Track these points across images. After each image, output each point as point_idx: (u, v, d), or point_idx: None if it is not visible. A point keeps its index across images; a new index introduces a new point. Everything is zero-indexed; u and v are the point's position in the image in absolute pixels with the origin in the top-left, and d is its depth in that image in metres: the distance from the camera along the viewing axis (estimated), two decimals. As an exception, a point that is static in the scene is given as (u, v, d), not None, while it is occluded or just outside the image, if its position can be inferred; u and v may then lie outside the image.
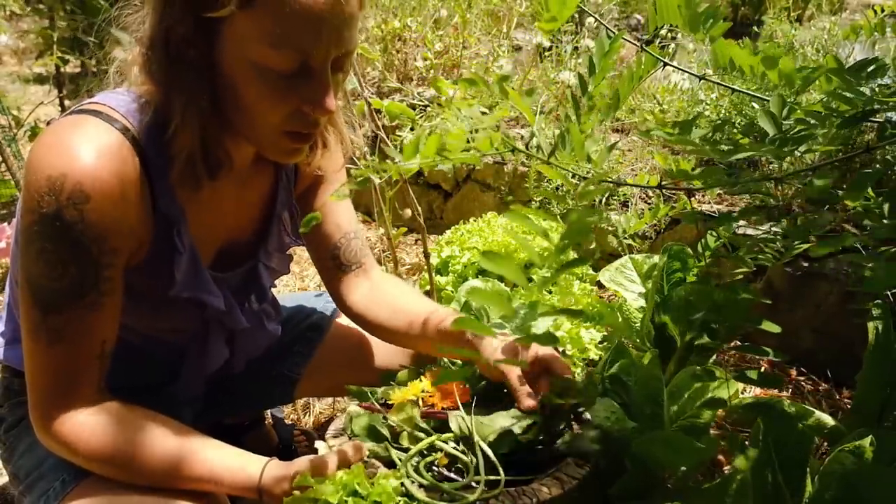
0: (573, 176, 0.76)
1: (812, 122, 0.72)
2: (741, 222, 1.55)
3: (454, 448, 0.83)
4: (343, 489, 0.73)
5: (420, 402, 0.90)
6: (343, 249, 1.08)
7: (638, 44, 0.87)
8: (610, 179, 0.68)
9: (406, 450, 0.84)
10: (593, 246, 2.06)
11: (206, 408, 1.12)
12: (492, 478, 0.80)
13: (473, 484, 0.79)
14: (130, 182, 0.78)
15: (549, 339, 0.45)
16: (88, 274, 0.77)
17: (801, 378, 1.61)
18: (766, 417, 0.81)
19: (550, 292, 1.52)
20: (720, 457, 1.32)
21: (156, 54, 0.76)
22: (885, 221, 0.65)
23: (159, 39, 0.75)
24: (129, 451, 0.79)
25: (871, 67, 0.74)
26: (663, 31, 2.87)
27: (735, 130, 1.80)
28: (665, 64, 0.84)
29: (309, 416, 1.56)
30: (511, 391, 0.88)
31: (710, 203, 1.96)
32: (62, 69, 3.43)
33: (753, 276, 1.65)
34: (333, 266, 1.09)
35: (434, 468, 0.83)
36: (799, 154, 0.69)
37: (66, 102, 3.58)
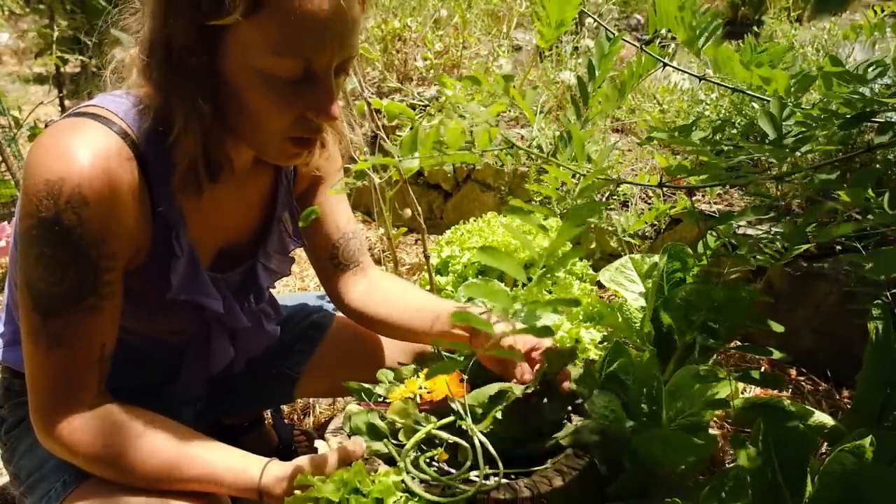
0: (573, 176, 0.76)
1: (812, 124, 0.72)
2: (741, 222, 1.55)
3: (452, 437, 0.83)
4: (344, 487, 0.74)
5: (418, 399, 0.90)
6: (342, 249, 1.09)
7: (638, 44, 0.87)
8: (610, 177, 0.68)
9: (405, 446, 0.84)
10: (593, 246, 2.06)
11: (207, 408, 1.12)
12: (491, 471, 0.80)
13: (474, 477, 0.79)
14: (129, 186, 0.78)
15: (544, 331, 0.45)
16: (87, 278, 0.77)
17: (801, 378, 1.61)
18: (767, 417, 0.81)
19: (550, 292, 1.52)
20: (720, 455, 1.32)
21: (156, 60, 0.76)
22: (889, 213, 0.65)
23: (160, 45, 0.75)
24: (129, 453, 0.79)
25: (872, 69, 0.74)
26: (664, 31, 2.88)
27: (735, 131, 1.80)
28: (665, 65, 0.84)
29: (309, 416, 1.56)
30: (509, 376, 0.90)
31: (709, 203, 1.96)
32: (62, 69, 3.44)
33: (753, 276, 1.65)
34: (331, 266, 1.10)
35: (434, 463, 0.83)
36: (799, 154, 0.70)
37: (66, 102, 3.58)
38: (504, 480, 0.79)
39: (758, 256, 0.88)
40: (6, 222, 2.20)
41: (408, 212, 1.59)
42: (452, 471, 0.82)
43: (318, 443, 0.88)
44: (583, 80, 0.88)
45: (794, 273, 1.63)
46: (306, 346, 1.20)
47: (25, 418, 0.90)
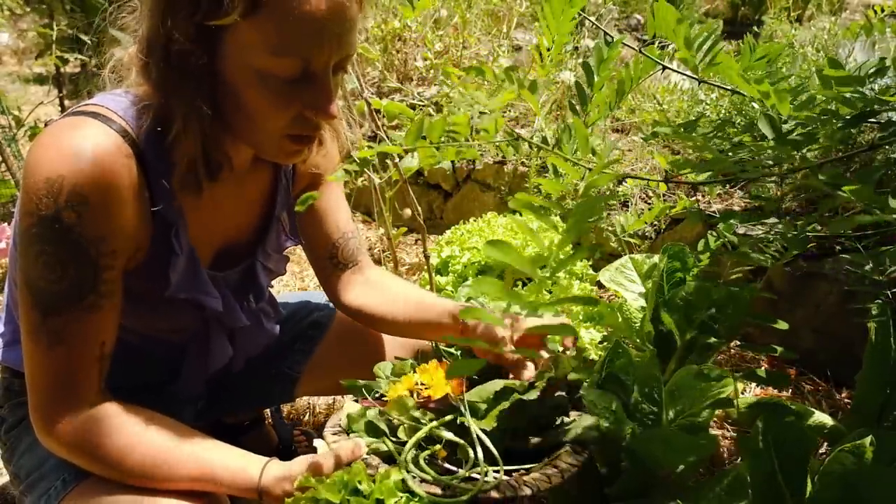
0: (575, 165, 0.76)
1: (812, 125, 0.72)
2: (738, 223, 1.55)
3: (453, 436, 0.83)
4: (344, 488, 0.74)
5: (416, 395, 0.90)
6: (341, 249, 1.09)
7: (638, 45, 0.87)
8: (616, 172, 0.68)
9: (404, 444, 0.84)
10: (593, 243, 2.06)
11: (207, 406, 1.12)
12: (491, 469, 0.80)
13: (474, 475, 0.79)
14: (129, 184, 0.78)
15: (567, 330, 0.45)
16: (87, 276, 0.77)
17: (801, 378, 1.61)
18: (767, 417, 0.81)
19: (550, 292, 1.52)
20: (720, 455, 1.32)
21: (155, 60, 0.76)
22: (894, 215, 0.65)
23: (159, 45, 0.75)
24: (127, 451, 0.79)
25: (872, 70, 0.74)
26: (663, 31, 2.87)
27: (735, 129, 1.80)
28: (664, 68, 0.84)
29: (309, 415, 1.56)
30: (507, 367, 0.91)
31: (709, 203, 1.96)
32: (62, 69, 3.43)
33: (753, 276, 1.65)
34: (331, 265, 1.10)
35: (433, 460, 0.83)
36: (799, 154, 0.70)
37: (66, 102, 3.58)
38: (504, 478, 0.79)
39: (758, 256, 0.88)
40: (6, 224, 2.20)
41: (408, 212, 1.59)
42: (452, 468, 0.82)
43: (316, 442, 0.87)
44: (581, 85, 0.88)
45: (794, 273, 1.63)
46: (306, 345, 1.20)
47: (25, 418, 0.90)
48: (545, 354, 0.93)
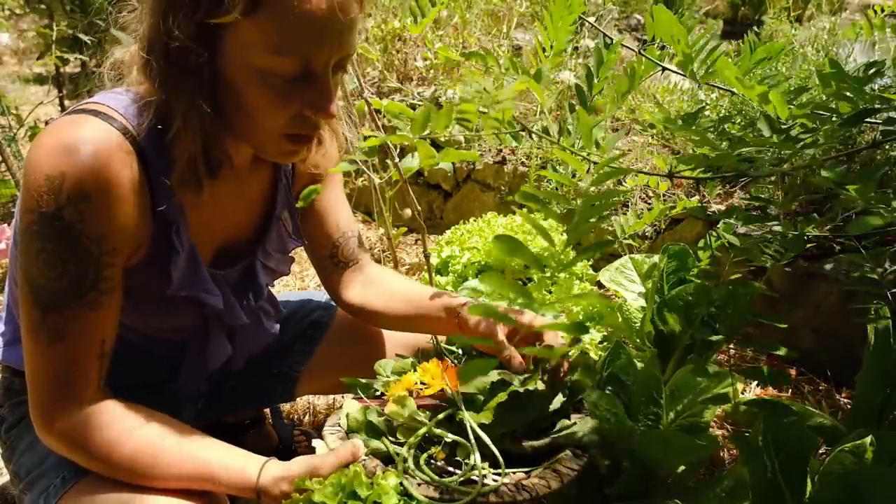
0: (582, 160, 0.75)
1: (811, 125, 0.72)
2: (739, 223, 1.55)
3: (452, 437, 0.83)
4: (341, 491, 0.73)
5: (415, 395, 0.90)
6: (342, 248, 1.10)
7: (638, 46, 0.87)
8: (620, 168, 0.67)
9: (404, 444, 0.84)
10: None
11: (207, 406, 1.12)
12: (491, 471, 0.80)
13: (474, 477, 0.78)
14: (130, 182, 0.78)
15: (580, 328, 0.44)
16: (88, 273, 0.77)
17: (801, 378, 1.61)
18: (767, 417, 0.81)
19: (550, 292, 1.52)
20: (720, 455, 1.32)
21: (156, 58, 0.76)
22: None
23: (159, 44, 0.75)
24: (126, 449, 0.79)
25: (872, 70, 0.74)
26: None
27: (735, 126, 1.80)
28: (664, 69, 0.84)
29: (309, 415, 1.56)
30: (501, 357, 0.91)
31: (709, 202, 1.96)
32: (62, 69, 3.44)
33: (753, 276, 1.65)
34: (331, 264, 1.11)
35: (432, 462, 0.82)
36: (800, 152, 0.70)
37: (66, 102, 3.58)
38: (503, 481, 0.78)
39: (758, 255, 0.88)
40: (6, 224, 2.20)
41: (408, 212, 1.59)
42: (451, 469, 0.81)
43: (315, 442, 0.87)
44: (581, 88, 0.88)
45: (794, 273, 1.63)
46: (306, 345, 1.20)
47: (25, 417, 0.90)
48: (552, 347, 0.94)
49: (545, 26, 0.82)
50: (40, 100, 3.11)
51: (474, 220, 1.86)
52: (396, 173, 1.44)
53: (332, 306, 1.23)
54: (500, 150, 2.51)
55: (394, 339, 1.18)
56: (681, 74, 0.95)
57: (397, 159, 1.43)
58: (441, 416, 0.85)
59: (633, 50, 0.95)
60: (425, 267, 1.64)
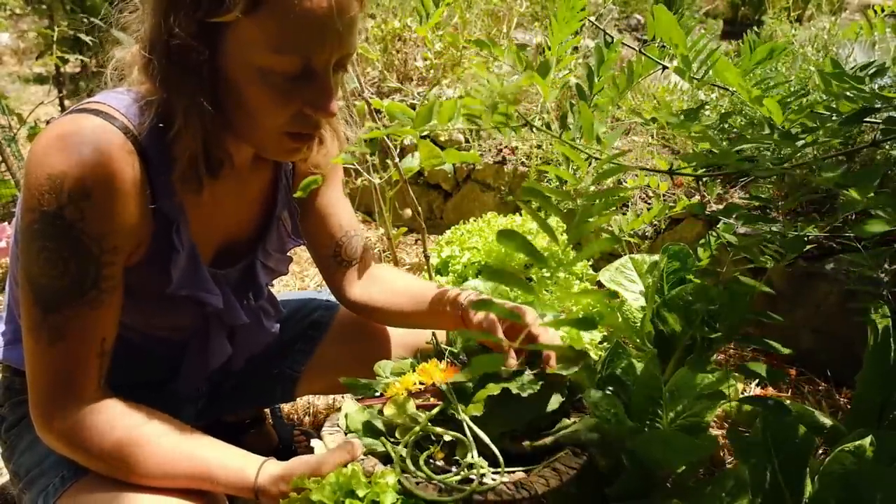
0: (586, 158, 0.75)
1: (812, 125, 0.72)
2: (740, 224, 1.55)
3: (450, 435, 0.83)
4: (339, 490, 0.73)
5: (415, 395, 0.90)
6: (345, 247, 1.10)
7: (637, 45, 0.87)
8: (624, 164, 0.67)
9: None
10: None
11: (208, 405, 1.12)
12: (490, 470, 0.80)
13: (472, 476, 0.78)
14: (131, 181, 0.78)
15: (585, 324, 0.44)
16: (89, 272, 0.77)
17: (801, 378, 1.61)
18: (767, 417, 0.81)
19: (550, 291, 1.52)
20: (720, 455, 1.32)
21: (157, 57, 0.76)
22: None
23: (161, 43, 0.75)
24: (125, 449, 0.79)
25: (873, 70, 0.74)
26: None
27: (735, 123, 1.80)
28: (664, 67, 0.84)
29: (309, 415, 1.56)
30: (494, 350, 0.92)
31: (710, 202, 1.96)
32: (62, 69, 3.44)
33: (753, 276, 1.65)
34: (334, 263, 1.11)
35: (431, 461, 0.82)
36: (801, 151, 0.70)
37: (66, 102, 3.58)
38: (502, 479, 0.78)
39: (758, 255, 0.88)
40: (6, 223, 2.20)
41: (408, 212, 1.59)
42: (450, 468, 0.81)
43: (314, 442, 0.87)
44: (582, 87, 0.89)
45: (794, 273, 1.63)
46: (307, 345, 1.20)
47: (25, 416, 0.90)
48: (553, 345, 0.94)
49: (551, 28, 0.83)
50: (40, 100, 3.11)
51: (474, 220, 1.86)
52: (396, 173, 1.44)
53: (332, 306, 1.23)
54: (500, 150, 2.51)
55: (394, 340, 1.19)
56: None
57: (397, 159, 1.43)
58: (434, 411, 0.85)
59: (633, 48, 0.96)
60: (425, 267, 1.64)
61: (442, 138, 2.59)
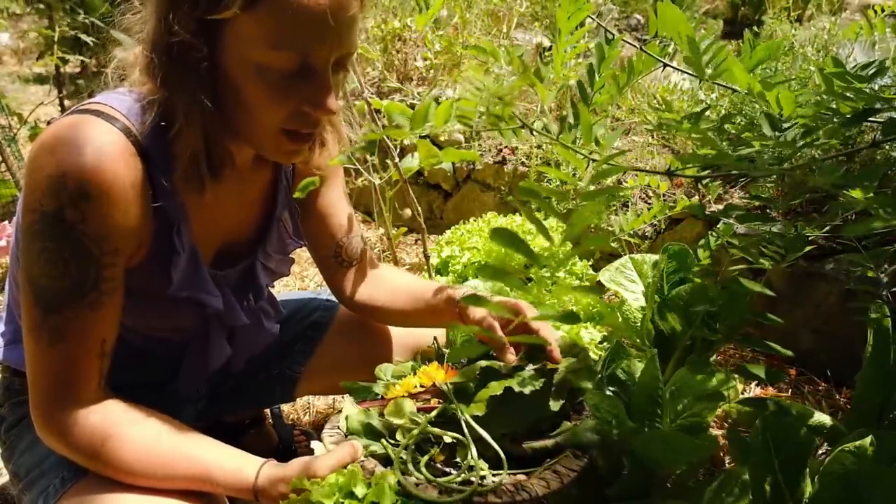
0: (584, 158, 0.75)
1: (812, 125, 0.72)
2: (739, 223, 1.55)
3: (451, 437, 0.83)
4: (339, 491, 0.73)
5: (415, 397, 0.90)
6: (346, 247, 1.11)
7: (637, 45, 0.87)
8: (622, 165, 0.67)
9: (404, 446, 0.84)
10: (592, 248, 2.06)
11: (208, 406, 1.12)
12: (491, 472, 0.79)
13: (473, 478, 0.78)
14: (132, 182, 0.78)
15: (570, 318, 0.44)
16: (89, 273, 0.77)
17: (801, 378, 1.61)
18: (767, 417, 0.80)
19: (549, 291, 1.52)
20: (720, 455, 1.32)
21: (158, 56, 0.76)
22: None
23: (161, 41, 0.75)
24: (125, 449, 0.79)
25: (873, 70, 0.74)
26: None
27: (735, 126, 1.80)
28: (665, 65, 0.84)
29: (309, 416, 1.56)
30: (494, 349, 0.92)
31: (710, 202, 1.96)
32: (62, 69, 3.44)
33: (753, 276, 1.65)
34: (335, 263, 1.12)
35: (432, 464, 0.82)
36: (800, 154, 0.70)
37: (66, 102, 3.58)
38: (503, 480, 0.78)
39: (758, 255, 0.88)
40: (6, 222, 2.20)
41: (408, 212, 1.59)
42: (451, 470, 0.81)
43: (314, 444, 0.87)
44: (583, 84, 0.89)
45: (794, 273, 1.63)
46: (306, 345, 1.20)
47: (25, 417, 0.90)
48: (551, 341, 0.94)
49: (555, 21, 0.82)
50: (40, 100, 3.11)
51: (474, 220, 1.86)
52: (396, 173, 1.44)
53: (332, 307, 1.23)
54: (500, 150, 2.51)
55: (394, 341, 1.19)
56: (682, 71, 0.95)
57: (397, 159, 1.43)
58: (433, 413, 0.85)
59: (634, 45, 0.95)
60: (425, 267, 1.64)
61: (442, 138, 2.59)
